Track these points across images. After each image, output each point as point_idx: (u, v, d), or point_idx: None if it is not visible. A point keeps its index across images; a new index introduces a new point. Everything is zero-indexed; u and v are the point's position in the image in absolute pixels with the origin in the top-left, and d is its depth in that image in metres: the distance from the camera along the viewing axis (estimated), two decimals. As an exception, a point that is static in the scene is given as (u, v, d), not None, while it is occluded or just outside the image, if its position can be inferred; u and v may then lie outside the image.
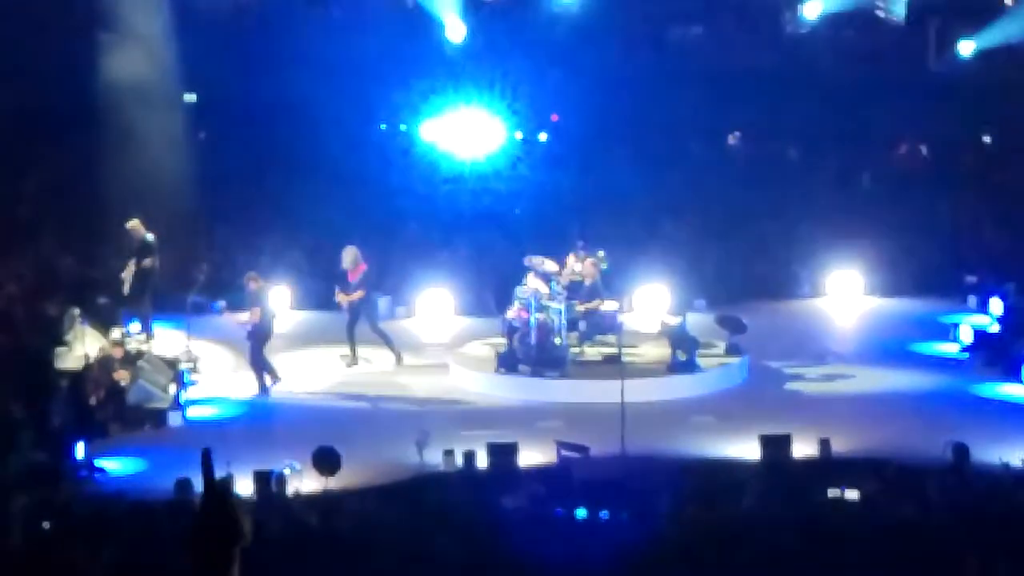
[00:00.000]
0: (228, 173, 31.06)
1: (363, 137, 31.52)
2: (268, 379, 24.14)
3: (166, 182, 30.09)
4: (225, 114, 31.86)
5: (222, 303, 28.07)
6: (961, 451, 20.05)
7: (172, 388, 23.53)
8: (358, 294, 25.18)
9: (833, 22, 34.61)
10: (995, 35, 30.68)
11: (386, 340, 25.51)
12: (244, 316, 24.27)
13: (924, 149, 32.83)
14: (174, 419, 22.99)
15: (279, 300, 26.47)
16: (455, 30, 30.91)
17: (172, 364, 24.43)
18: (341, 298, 25.29)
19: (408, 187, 30.54)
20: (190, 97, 32.00)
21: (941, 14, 32.43)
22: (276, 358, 24.86)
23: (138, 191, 29.42)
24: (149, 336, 26.11)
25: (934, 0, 32.75)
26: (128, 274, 26.32)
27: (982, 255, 29.75)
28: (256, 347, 24.09)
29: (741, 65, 32.55)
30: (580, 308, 24.78)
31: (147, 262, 26.27)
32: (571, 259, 25.41)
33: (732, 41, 32.14)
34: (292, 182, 30.71)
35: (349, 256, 25.43)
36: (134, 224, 26.59)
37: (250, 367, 24.18)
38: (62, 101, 30.54)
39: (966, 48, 30.37)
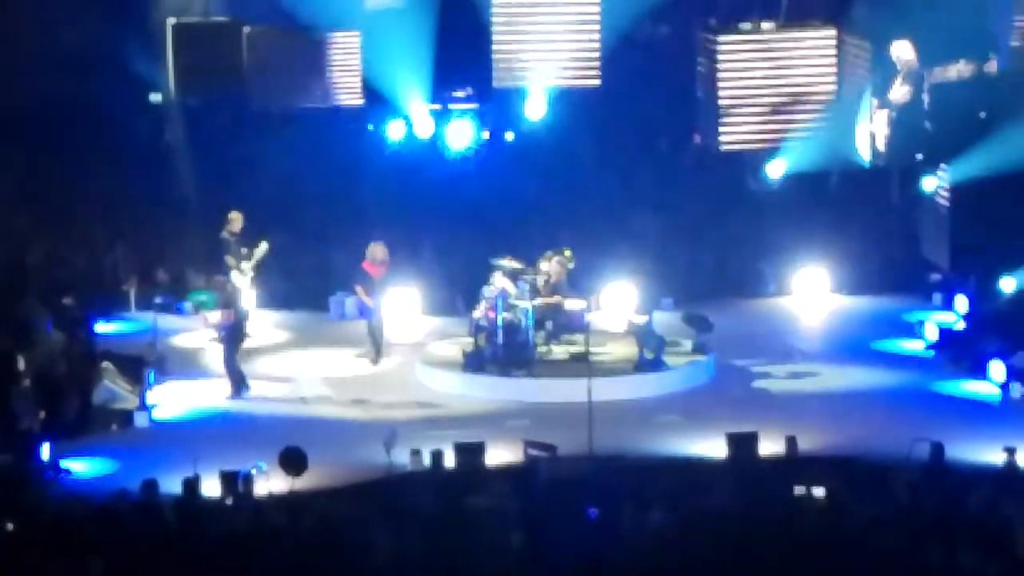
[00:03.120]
0: (195, 174, 30.94)
1: (327, 136, 31.44)
2: (237, 386, 23.92)
3: (134, 183, 30.07)
4: (187, 116, 31.76)
5: (188, 304, 28.05)
6: (937, 450, 20.11)
7: (138, 388, 23.45)
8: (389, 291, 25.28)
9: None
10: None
11: (377, 338, 25.46)
12: (217, 316, 24.19)
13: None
14: (140, 420, 22.93)
15: (249, 301, 26.33)
16: None
17: (138, 364, 24.33)
18: (364, 295, 25.23)
19: (374, 185, 30.46)
20: (156, 97, 31.87)
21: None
22: (253, 362, 24.69)
23: (105, 192, 29.43)
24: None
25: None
26: (249, 268, 26.36)
27: (948, 253, 29.82)
28: (229, 350, 23.95)
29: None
30: (541, 303, 24.75)
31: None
32: (542, 263, 25.37)
33: (697, 41, 32.09)
34: (259, 183, 30.63)
35: (380, 252, 25.45)
36: (235, 216, 26.61)
37: (224, 369, 24.00)
38: (30, 103, 30.40)
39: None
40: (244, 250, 26.51)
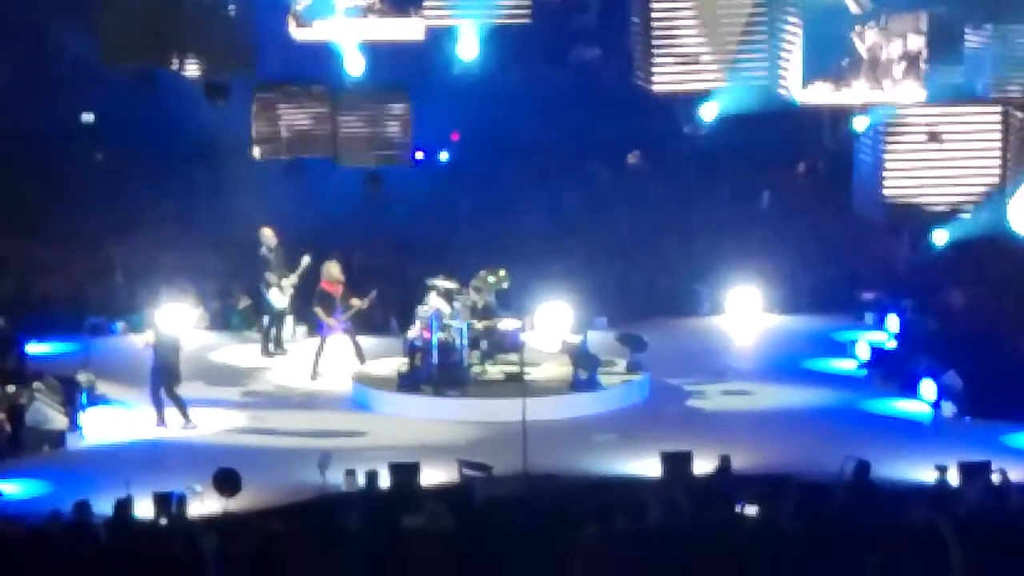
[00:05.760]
0: (127, 193, 30.82)
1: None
2: (172, 415, 23.33)
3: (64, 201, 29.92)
4: (123, 133, 31.62)
5: (121, 324, 27.89)
6: (862, 468, 20.23)
7: (70, 410, 23.27)
8: (364, 301, 25.36)
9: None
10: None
11: (318, 356, 25.46)
12: (142, 338, 23.97)
13: (821, 166, 33.13)
14: (72, 441, 22.77)
15: (182, 322, 26.02)
16: (355, 66, 30.79)
17: (70, 385, 24.15)
18: (325, 315, 25.18)
19: (308, 205, 30.39)
20: (88, 117, 31.73)
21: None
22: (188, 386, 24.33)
23: (39, 210, 29.27)
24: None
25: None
26: (290, 284, 26.31)
27: (878, 272, 30.07)
28: (152, 378, 23.34)
29: (639, 86, 32.74)
30: (480, 325, 24.78)
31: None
32: (476, 283, 25.36)
33: (630, 62, 32.28)
34: (196, 202, 30.54)
35: (336, 270, 25.42)
36: (268, 232, 26.55)
37: (149, 397, 23.52)
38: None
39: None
40: (279, 269, 26.44)
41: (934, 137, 28.86)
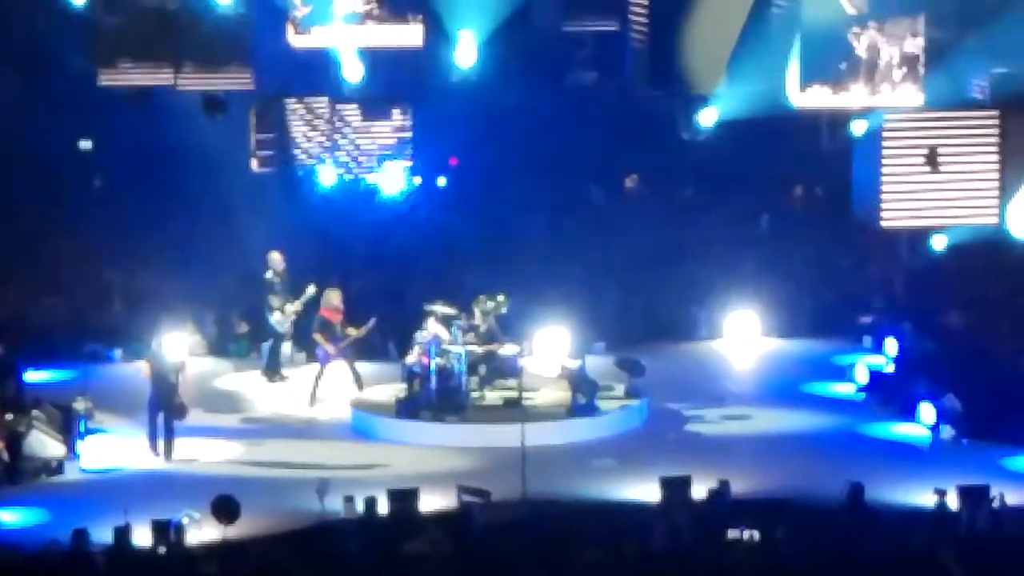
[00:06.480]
0: (126, 220, 30.82)
1: (260, 180, 31.42)
2: (163, 445, 23.21)
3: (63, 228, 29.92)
4: (121, 159, 31.64)
5: (119, 351, 27.88)
6: (856, 490, 20.23)
7: (68, 438, 23.23)
8: (362, 331, 25.35)
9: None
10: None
11: (317, 382, 25.47)
12: (142, 366, 23.91)
13: (819, 191, 33.14)
14: (71, 469, 22.74)
15: (180, 350, 25.93)
16: (353, 73, 30.81)
17: (68, 413, 24.12)
18: (326, 342, 25.24)
19: (306, 231, 30.37)
20: (86, 144, 31.75)
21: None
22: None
23: (37, 236, 29.24)
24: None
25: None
26: (293, 310, 26.31)
27: (877, 296, 30.08)
28: (150, 408, 23.23)
29: (638, 110, 32.77)
30: (479, 351, 24.79)
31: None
32: (476, 308, 25.38)
33: (628, 86, 32.33)
34: (194, 228, 30.54)
35: (336, 298, 25.42)
36: (276, 256, 26.61)
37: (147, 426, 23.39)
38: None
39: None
40: (283, 294, 26.47)
41: (932, 159, 28.84)
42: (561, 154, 32.29)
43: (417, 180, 32.18)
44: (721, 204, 32.42)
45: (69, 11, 30.10)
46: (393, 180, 31.70)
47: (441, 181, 32.85)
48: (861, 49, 28.30)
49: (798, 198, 33.18)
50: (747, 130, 30.58)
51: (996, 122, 28.97)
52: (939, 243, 29.13)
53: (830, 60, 28.38)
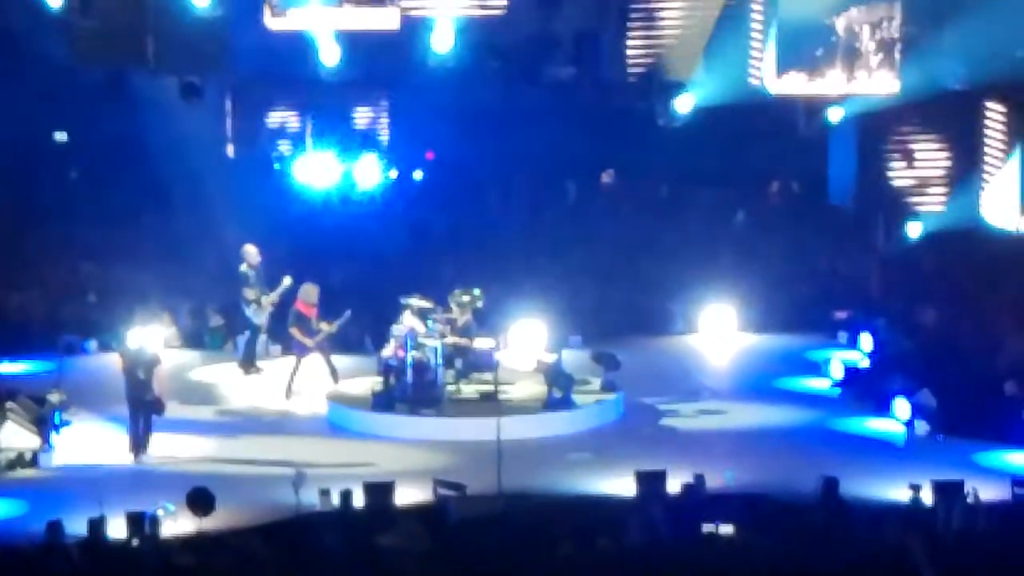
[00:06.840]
0: (102, 211, 30.73)
1: (237, 168, 31.39)
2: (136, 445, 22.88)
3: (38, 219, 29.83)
4: (97, 151, 31.55)
5: (94, 343, 27.82)
6: (831, 485, 20.29)
7: (42, 429, 23.16)
8: (335, 325, 25.30)
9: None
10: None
11: (293, 375, 25.46)
12: (115, 359, 23.84)
13: (796, 186, 33.21)
14: (45, 461, 22.68)
15: (155, 342, 25.83)
16: (330, 56, 30.67)
17: (42, 404, 24.05)
18: (302, 336, 25.17)
19: (282, 225, 30.34)
20: (61, 136, 31.65)
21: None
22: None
23: (12, 228, 29.14)
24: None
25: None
26: (269, 302, 26.29)
27: (852, 291, 30.16)
28: (130, 408, 22.97)
29: (614, 105, 32.78)
30: (455, 344, 24.77)
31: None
32: (451, 301, 25.37)
33: (605, 82, 32.34)
34: (170, 220, 30.47)
35: (313, 293, 25.39)
36: (251, 248, 26.52)
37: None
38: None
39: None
40: (258, 286, 26.40)
41: (907, 156, 28.92)
42: (537, 149, 32.29)
43: (393, 173, 32.16)
44: (697, 199, 32.48)
45: (45, 10, 29.95)
46: (369, 173, 31.67)
47: (417, 175, 32.83)
48: (839, 30, 28.28)
49: (774, 193, 33.26)
50: (723, 122, 30.61)
51: (972, 110, 29.06)
52: (914, 230, 29.15)
53: (807, 46, 28.37)
